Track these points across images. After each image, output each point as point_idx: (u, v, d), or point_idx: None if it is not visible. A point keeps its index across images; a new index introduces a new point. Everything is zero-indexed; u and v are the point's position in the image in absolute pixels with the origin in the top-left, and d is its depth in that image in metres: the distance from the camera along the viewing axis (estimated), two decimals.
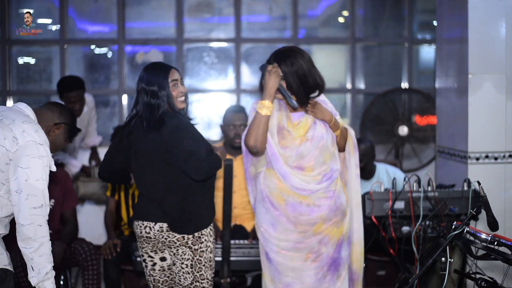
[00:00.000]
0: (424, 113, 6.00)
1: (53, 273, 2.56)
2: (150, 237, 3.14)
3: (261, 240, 3.41)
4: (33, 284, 2.52)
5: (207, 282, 3.16)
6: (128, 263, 4.39)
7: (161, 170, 3.09)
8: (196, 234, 3.10)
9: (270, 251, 3.35)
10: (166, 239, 3.11)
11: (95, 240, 4.55)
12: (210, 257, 3.16)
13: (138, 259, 3.91)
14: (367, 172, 4.47)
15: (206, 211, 3.18)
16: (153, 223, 3.11)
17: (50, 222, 4.07)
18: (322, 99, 3.42)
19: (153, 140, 3.05)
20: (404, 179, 3.83)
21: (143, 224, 3.14)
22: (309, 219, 3.30)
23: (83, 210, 5.63)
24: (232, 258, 3.88)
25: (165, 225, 3.10)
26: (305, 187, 3.29)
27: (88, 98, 5.17)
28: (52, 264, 2.54)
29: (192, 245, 3.10)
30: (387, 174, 4.54)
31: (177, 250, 3.12)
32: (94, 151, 5.49)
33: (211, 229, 3.17)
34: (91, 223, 5.67)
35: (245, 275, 4.16)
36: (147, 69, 3.12)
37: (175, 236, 3.09)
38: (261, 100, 3.29)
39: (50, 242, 2.55)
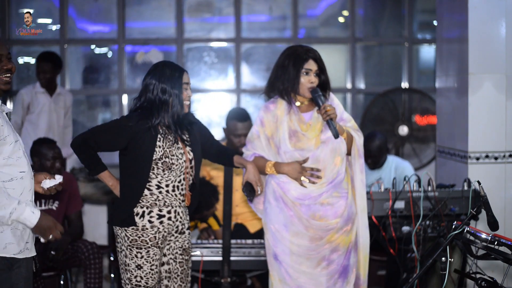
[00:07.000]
0: (424, 113, 6.00)
1: (19, 209, 2.48)
2: None
3: (269, 240, 3.36)
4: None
5: (125, 284, 3.06)
6: None
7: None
8: (114, 230, 3.07)
9: (281, 252, 3.31)
10: None
11: (96, 240, 4.55)
12: (126, 261, 3.01)
13: None
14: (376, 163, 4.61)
15: (120, 209, 3.05)
16: None
17: None
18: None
19: None
20: (404, 179, 3.83)
21: None
22: (321, 225, 3.29)
23: (83, 210, 5.62)
24: (232, 258, 3.87)
25: None
26: (306, 193, 3.29)
27: (69, 95, 5.40)
28: (13, 206, 2.46)
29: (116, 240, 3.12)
30: (394, 170, 4.58)
31: None
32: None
33: (125, 234, 3.00)
34: (92, 224, 5.67)
35: (246, 275, 4.15)
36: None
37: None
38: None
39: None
